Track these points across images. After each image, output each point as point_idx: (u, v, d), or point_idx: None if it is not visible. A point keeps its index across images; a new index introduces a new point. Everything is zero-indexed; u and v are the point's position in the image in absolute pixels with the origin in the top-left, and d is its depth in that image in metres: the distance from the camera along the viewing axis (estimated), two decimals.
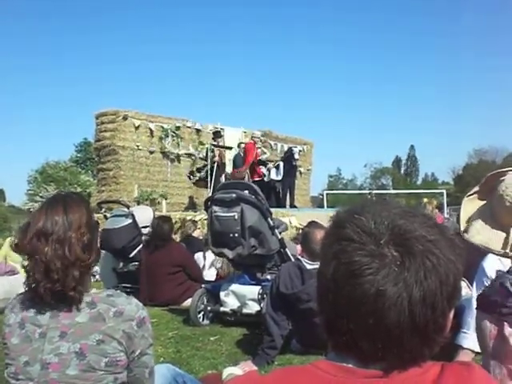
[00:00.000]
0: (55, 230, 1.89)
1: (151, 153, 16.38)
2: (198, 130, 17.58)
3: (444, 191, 27.59)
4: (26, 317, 1.92)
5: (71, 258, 1.87)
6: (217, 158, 14.60)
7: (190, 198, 17.26)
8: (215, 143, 15.10)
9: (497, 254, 1.98)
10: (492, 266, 4.07)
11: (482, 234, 1.99)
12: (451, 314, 0.98)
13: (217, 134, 15.44)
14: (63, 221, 1.91)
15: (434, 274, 0.92)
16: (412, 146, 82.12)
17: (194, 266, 7.59)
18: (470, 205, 2.14)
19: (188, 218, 11.66)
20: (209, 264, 8.21)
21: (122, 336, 1.88)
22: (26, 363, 1.86)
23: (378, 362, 0.93)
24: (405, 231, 0.94)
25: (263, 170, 15.36)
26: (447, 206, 24.30)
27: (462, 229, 2.11)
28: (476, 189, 2.18)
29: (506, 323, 1.83)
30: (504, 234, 1.93)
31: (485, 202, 2.12)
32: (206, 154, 14.96)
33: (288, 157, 16.15)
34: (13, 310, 1.97)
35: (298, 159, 16.16)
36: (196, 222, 10.32)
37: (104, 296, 1.95)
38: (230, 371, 4.16)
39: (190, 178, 16.18)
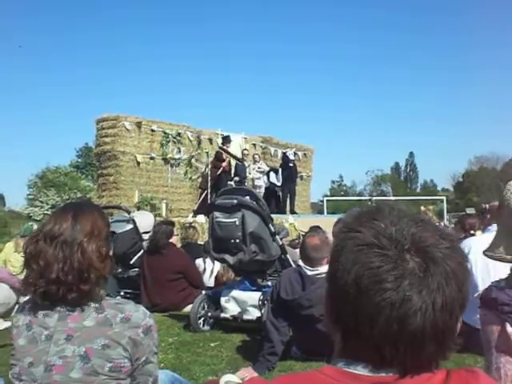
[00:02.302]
0: (62, 233, 1.93)
1: (152, 158, 16.38)
2: (198, 136, 17.58)
3: (444, 198, 27.64)
4: (34, 319, 1.93)
5: (83, 262, 1.90)
6: (225, 164, 14.62)
7: (191, 203, 17.25)
8: (225, 148, 15.12)
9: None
10: None
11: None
12: (461, 320, 0.99)
13: (226, 139, 15.44)
14: (72, 226, 1.95)
15: (454, 281, 0.93)
16: (411, 153, 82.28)
17: (195, 273, 7.56)
18: None
19: (188, 223, 11.66)
20: (209, 270, 8.19)
21: (128, 342, 1.89)
22: (30, 364, 1.87)
23: (394, 367, 0.94)
24: (424, 238, 0.95)
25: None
26: (447, 212, 24.34)
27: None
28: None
29: (507, 323, 1.82)
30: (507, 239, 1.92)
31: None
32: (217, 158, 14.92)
33: (284, 161, 16.29)
34: (22, 312, 1.99)
35: (293, 160, 16.24)
36: (196, 228, 10.30)
37: (113, 302, 1.98)
38: (227, 379, 4.15)
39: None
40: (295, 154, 17.21)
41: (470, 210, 13.57)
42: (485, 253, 2.00)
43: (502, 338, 1.81)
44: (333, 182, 78.63)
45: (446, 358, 0.97)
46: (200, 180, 16.44)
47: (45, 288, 1.88)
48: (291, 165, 16.17)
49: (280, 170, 16.16)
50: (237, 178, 14.80)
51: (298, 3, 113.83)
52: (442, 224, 15.94)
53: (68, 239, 1.92)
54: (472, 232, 6.66)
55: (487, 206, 7.13)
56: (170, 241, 7.56)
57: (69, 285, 1.88)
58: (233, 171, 15.14)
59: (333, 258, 1.01)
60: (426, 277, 0.91)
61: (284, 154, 17.08)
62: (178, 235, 7.95)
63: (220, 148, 15.12)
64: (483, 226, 5.95)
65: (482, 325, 1.92)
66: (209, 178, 14.73)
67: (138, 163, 16.05)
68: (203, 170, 16.91)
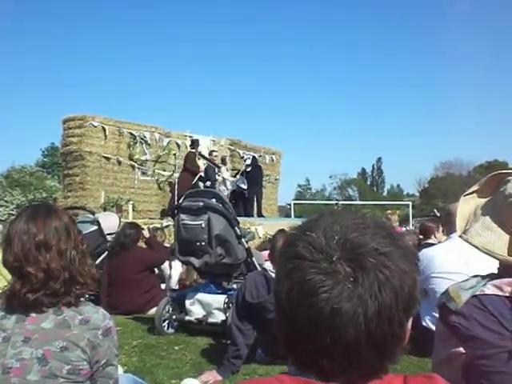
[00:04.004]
0: (55, 241, 1.94)
1: (119, 160, 16.23)
2: (166, 138, 17.48)
3: (410, 203, 27.97)
4: None
5: (75, 268, 1.95)
6: (201, 169, 14.65)
7: (157, 205, 17.15)
8: (202, 153, 15.19)
9: (498, 259, 1.87)
10: None
11: (483, 236, 1.89)
12: (409, 324, 0.98)
13: (195, 143, 15.42)
14: (62, 229, 1.97)
15: (388, 288, 0.91)
16: (379, 158, 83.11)
17: (152, 253, 7.61)
18: (466, 206, 2.03)
19: (154, 225, 11.59)
20: (175, 273, 8.15)
21: (87, 344, 1.88)
22: None
23: (339, 376, 0.93)
24: (356, 245, 0.93)
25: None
26: (413, 217, 24.63)
27: (460, 231, 2.00)
28: (474, 188, 2.05)
29: (462, 348, 1.77)
30: (507, 237, 1.84)
31: (482, 203, 2.00)
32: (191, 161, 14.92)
33: (246, 166, 16.51)
34: None
35: (249, 164, 16.32)
36: (163, 229, 10.26)
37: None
38: (188, 383, 4.15)
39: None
40: (254, 157, 17.19)
41: (437, 212, 13.69)
42: (461, 235, 1.95)
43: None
44: (299, 185, 79.08)
45: (395, 362, 0.96)
46: (172, 183, 16.44)
47: (49, 294, 1.89)
48: (248, 169, 16.27)
49: (244, 174, 16.35)
50: (208, 183, 14.84)
51: (266, 5, 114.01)
52: (407, 229, 16.15)
53: (62, 246, 1.94)
54: (432, 236, 6.72)
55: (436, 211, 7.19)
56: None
57: (66, 291, 1.92)
58: (197, 175, 15.15)
59: (276, 269, 1.03)
60: (355, 287, 0.90)
61: (243, 158, 17.35)
62: (143, 239, 7.89)
63: (199, 154, 15.14)
64: (446, 230, 5.90)
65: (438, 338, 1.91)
66: (176, 180, 14.71)
67: (105, 164, 15.88)
68: (171, 173, 16.87)
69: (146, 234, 7.92)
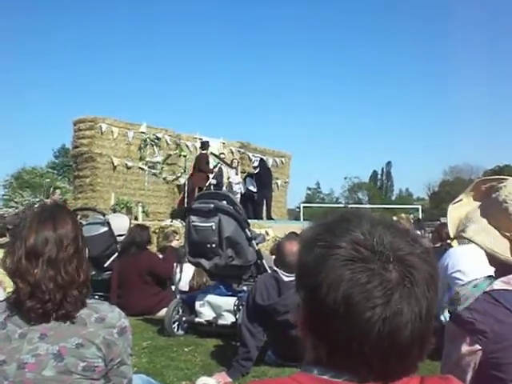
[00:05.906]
0: (46, 251, 1.91)
1: (129, 161, 16.27)
2: (176, 140, 17.53)
3: (419, 207, 27.95)
4: (8, 318, 1.92)
5: (67, 279, 1.90)
6: (216, 170, 14.89)
7: (167, 207, 17.19)
8: (218, 155, 15.36)
9: (500, 258, 1.90)
10: None
11: (481, 236, 1.91)
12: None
13: (205, 145, 15.49)
14: (54, 241, 1.93)
15: (434, 286, 0.93)
16: (389, 162, 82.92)
17: (161, 264, 7.52)
18: (455, 213, 2.07)
19: (164, 226, 11.61)
20: (185, 275, 8.15)
21: (102, 342, 1.89)
22: (2, 362, 1.85)
23: (379, 375, 0.92)
24: (400, 246, 0.93)
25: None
26: (423, 221, 24.57)
27: (452, 235, 2.03)
28: (462, 196, 2.10)
29: (477, 345, 1.76)
30: (504, 240, 1.87)
31: (472, 208, 2.04)
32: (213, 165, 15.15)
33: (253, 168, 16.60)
34: None
35: (257, 167, 16.38)
36: (175, 231, 10.27)
37: (87, 302, 1.97)
38: (203, 381, 4.13)
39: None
40: (262, 159, 17.30)
41: (445, 219, 13.68)
42: (459, 233, 1.98)
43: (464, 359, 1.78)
44: (309, 188, 79.04)
45: (423, 359, 0.96)
46: (181, 185, 16.54)
47: (41, 307, 1.87)
48: (256, 171, 16.33)
49: (254, 176, 16.39)
50: (214, 181, 14.90)
51: (276, 6, 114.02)
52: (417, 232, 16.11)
53: (52, 256, 1.91)
54: (448, 241, 6.73)
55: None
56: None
57: (57, 304, 1.88)
58: (211, 176, 15.23)
59: (311, 272, 0.96)
60: (412, 286, 0.90)
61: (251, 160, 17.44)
62: (156, 239, 7.92)
63: (211, 153, 15.29)
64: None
65: (449, 338, 1.90)
66: (187, 182, 14.83)
67: (115, 166, 15.93)
68: (180, 175, 16.92)
69: (174, 244, 8.02)
